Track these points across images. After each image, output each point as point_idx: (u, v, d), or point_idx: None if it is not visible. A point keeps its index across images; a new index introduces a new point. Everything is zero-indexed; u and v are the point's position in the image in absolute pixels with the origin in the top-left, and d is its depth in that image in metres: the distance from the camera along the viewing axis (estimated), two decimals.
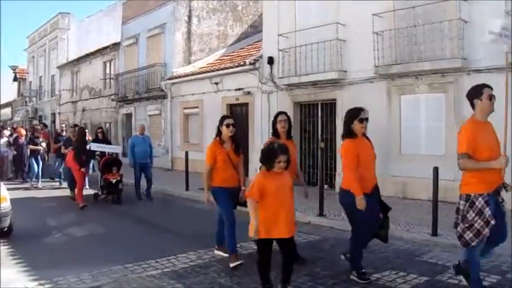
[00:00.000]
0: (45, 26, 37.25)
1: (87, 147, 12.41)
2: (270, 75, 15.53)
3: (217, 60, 20.78)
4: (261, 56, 16.13)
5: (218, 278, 5.91)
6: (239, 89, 16.87)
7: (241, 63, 16.85)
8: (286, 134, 6.67)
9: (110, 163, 12.60)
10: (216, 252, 7.02)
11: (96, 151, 13.08)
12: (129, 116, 24.93)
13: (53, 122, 34.30)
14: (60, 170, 15.53)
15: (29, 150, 15.62)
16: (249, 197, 4.94)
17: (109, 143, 14.18)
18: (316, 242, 7.96)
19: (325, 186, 11.65)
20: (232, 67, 17.23)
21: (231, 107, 17.69)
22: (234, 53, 20.50)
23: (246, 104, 16.92)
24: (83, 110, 30.10)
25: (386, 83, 12.26)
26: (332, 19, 13.27)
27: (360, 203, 5.40)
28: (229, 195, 6.49)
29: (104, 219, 10.30)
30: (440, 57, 10.90)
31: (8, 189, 8.81)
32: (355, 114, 5.73)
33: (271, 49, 15.28)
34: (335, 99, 13.64)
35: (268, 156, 4.92)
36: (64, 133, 16.34)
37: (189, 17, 21.26)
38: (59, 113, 33.64)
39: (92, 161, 13.94)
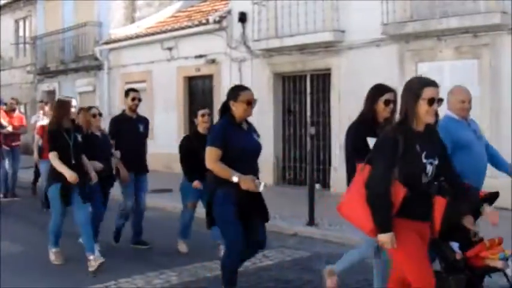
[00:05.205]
0: None
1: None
2: (242, 38, 15.58)
3: (170, 17, 20.76)
4: (229, 12, 16.20)
5: None
6: (200, 56, 16.93)
7: (203, 21, 16.84)
8: None
9: None
10: None
11: None
12: (51, 94, 24.53)
13: None
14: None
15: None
16: None
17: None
18: (305, 260, 7.95)
19: (317, 186, 11.71)
20: (190, 27, 17.29)
21: (190, 80, 17.78)
22: (194, 8, 20.44)
23: (209, 77, 17.03)
24: None
25: (399, 46, 12.32)
26: None
27: None
28: None
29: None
30: (472, 12, 10.88)
31: None
32: None
33: (243, 2, 15.21)
34: (329, 69, 13.73)
35: None
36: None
37: None
38: None
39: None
